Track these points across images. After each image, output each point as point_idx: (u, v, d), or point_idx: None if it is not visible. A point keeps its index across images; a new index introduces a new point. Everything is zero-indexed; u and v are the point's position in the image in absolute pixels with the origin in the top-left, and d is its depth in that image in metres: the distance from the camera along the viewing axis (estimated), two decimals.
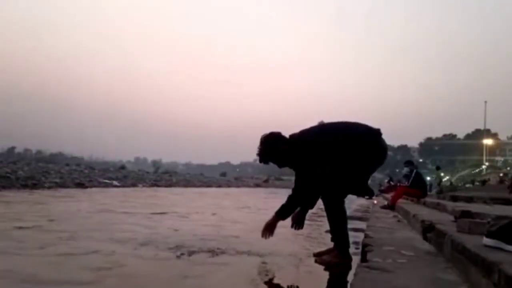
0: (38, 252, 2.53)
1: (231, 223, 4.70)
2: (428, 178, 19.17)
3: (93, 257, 2.44)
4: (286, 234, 3.89)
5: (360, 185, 2.62)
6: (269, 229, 2.65)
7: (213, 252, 2.72)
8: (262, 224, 2.69)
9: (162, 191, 13.39)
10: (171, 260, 2.47)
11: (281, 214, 2.65)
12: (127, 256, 2.51)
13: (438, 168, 19.38)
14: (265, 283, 2.07)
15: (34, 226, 3.61)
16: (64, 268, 2.17)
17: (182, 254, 2.64)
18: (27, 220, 4.00)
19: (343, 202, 2.54)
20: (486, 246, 1.56)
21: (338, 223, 2.49)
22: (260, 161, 2.60)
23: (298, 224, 2.79)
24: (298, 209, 2.75)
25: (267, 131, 2.64)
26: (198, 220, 5.02)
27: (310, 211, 2.86)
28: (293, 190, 2.64)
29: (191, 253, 2.67)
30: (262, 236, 2.64)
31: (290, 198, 2.64)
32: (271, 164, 2.65)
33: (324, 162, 2.48)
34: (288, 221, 2.74)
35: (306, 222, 2.85)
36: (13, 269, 2.09)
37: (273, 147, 2.55)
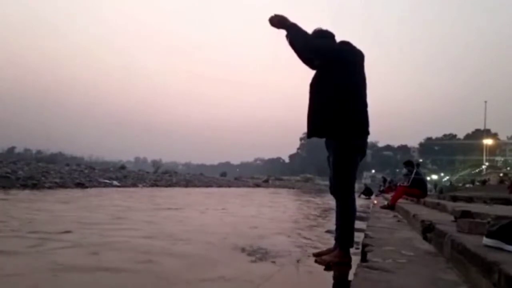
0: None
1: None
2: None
3: None
4: (286, 234, 3.90)
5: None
6: (278, 18, 2.63)
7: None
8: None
9: (167, 191, 13.27)
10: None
11: (293, 27, 2.63)
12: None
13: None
14: (265, 283, 2.07)
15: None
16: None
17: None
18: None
19: (354, 201, 2.58)
20: (486, 246, 1.56)
21: (347, 220, 2.53)
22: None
23: (276, 23, 2.64)
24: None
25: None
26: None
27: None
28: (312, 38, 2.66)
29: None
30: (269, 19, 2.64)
31: (305, 34, 2.64)
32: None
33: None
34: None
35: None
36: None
37: (322, 36, 2.70)
